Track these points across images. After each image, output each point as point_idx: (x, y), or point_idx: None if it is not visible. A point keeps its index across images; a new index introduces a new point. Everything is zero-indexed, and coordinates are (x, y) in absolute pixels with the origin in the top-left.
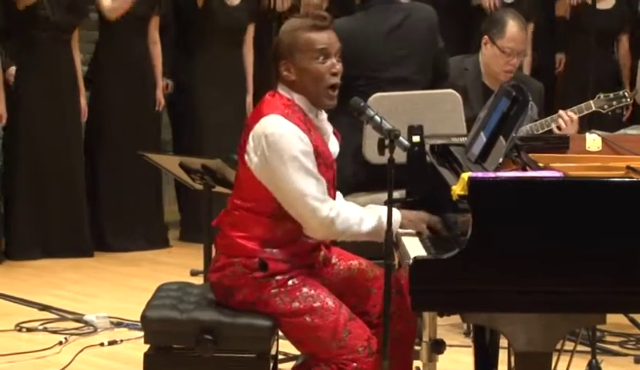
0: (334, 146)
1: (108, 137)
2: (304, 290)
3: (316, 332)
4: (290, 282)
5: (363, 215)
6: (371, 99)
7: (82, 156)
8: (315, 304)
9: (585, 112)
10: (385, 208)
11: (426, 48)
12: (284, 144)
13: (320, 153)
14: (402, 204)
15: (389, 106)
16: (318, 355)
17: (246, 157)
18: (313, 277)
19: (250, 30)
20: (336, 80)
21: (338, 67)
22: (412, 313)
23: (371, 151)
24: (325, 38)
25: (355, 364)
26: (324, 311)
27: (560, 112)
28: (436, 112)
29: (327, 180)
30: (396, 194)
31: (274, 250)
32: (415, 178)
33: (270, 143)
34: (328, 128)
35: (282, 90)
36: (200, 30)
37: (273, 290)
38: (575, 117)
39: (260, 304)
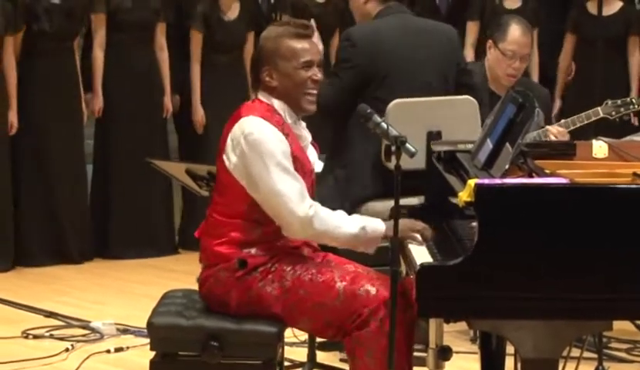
0: (312, 156)
1: (116, 144)
2: (287, 269)
3: (315, 299)
4: (272, 269)
5: (345, 220)
6: (391, 105)
7: (84, 162)
8: (302, 276)
9: (593, 119)
10: (371, 218)
11: (448, 59)
12: (264, 143)
13: (297, 159)
14: (410, 212)
15: (407, 112)
16: (335, 324)
17: (224, 158)
18: (290, 256)
19: (250, 38)
20: (315, 90)
21: (320, 76)
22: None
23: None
24: (307, 48)
25: (365, 308)
26: (311, 278)
27: (548, 127)
28: (454, 119)
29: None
30: (415, 200)
31: (252, 250)
32: (433, 183)
33: (249, 142)
34: (307, 136)
35: (262, 97)
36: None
37: (260, 284)
38: (563, 130)
39: (254, 301)
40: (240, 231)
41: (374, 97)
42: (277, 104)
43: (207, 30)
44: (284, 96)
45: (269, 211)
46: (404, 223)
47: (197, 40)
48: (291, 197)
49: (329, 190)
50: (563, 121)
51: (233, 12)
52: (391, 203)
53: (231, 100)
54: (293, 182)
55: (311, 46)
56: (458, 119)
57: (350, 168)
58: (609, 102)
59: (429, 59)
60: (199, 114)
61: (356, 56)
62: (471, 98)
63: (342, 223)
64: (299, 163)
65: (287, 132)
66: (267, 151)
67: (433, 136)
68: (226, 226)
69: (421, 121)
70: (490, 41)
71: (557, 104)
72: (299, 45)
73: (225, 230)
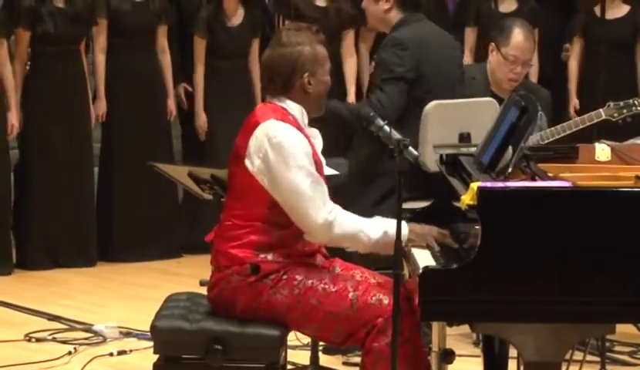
0: (322, 156)
1: (120, 148)
2: (299, 277)
3: (328, 309)
4: (284, 277)
5: (367, 224)
6: (429, 106)
7: (92, 166)
8: (315, 285)
9: (595, 121)
10: (392, 220)
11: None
12: (289, 146)
13: (315, 161)
14: (413, 215)
15: (441, 114)
16: (345, 332)
17: (246, 161)
18: (303, 266)
19: (255, 45)
20: None
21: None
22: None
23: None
24: (327, 54)
25: (380, 318)
26: (325, 287)
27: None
28: (479, 120)
29: None
30: (427, 204)
31: (269, 255)
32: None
33: (274, 145)
34: (319, 137)
35: (277, 101)
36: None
37: (271, 290)
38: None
39: (263, 307)
40: (259, 234)
41: (417, 97)
42: (294, 108)
43: (210, 35)
44: (314, 100)
45: (290, 213)
46: (426, 229)
47: (200, 46)
48: (313, 201)
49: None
50: (565, 123)
51: (237, 18)
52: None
53: (235, 106)
54: (315, 185)
55: None
56: (483, 120)
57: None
58: (611, 104)
59: (456, 64)
60: (201, 120)
61: (410, 59)
62: (494, 100)
63: (364, 228)
64: (316, 166)
65: (304, 134)
66: (292, 154)
67: (464, 138)
68: (244, 229)
69: (454, 123)
70: (493, 44)
71: (576, 104)
72: (325, 51)
73: (243, 233)
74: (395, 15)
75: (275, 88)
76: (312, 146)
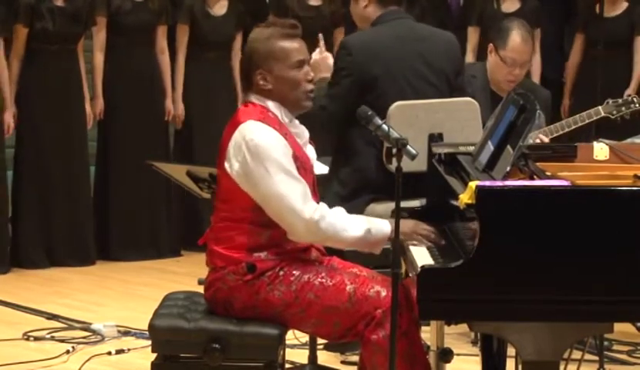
0: (311, 152)
1: (118, 147)
2: (296, 273)
3: (326, 303)
4: (281, 273)
5: (350, 223)
6: (392, 107)
7: (87, 164)
8: (311, 280)
9: (594, 118)
10: (376, 219)
11: (447, 66)
12: (265, 148)
13: (298, 158)
14: (411, 214)
15: (409, 115)
16: (345, 325)
17: (226, 164)
18: (299, 261)
19: (238, 39)
20: (311, 86)
21: (312, 74)
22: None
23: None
24: (298, 47)
25: (378, 310)
26: (322, 282)
27: (540, 135)
28: (455, 121)
29: (308, 185)
30: (416, 203)
31: (262, 254)
32: (434, 185)
33: (251, 148)
34: (305, 133)
35: (255, 99)
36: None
37: (268, 287)
38: (546, 139)
39: (261, 305)
40: (247, 236)
41: (367, 103)
42: (271, 105)
43: (192, 24)
44: (279, 98)
45: (273, 215)
46: (409, 225)
47: (182, 33)
48: (295, 200)
49: (333, 197)
50: (564, 121)
51: (220, 8)
52: (391, 205)
53: (217, 98)
54: (296, 184)
55: (300, 45)
56: (459, 121)
57: (357, 175)
58: (610, 101)
59: (425, 67)
60: (179, 108)
61: (352, 65)
62: (472, 100)
63: (348, 227)
64: (300, 162)
65: (285, 132)
66: (269, 155)
67: (435, 139)
68: (233, 230)
69: (422, 123)
70: (491, 45)
71: (567, 103)
72: (290, 45)
73: (232, 235)
74: (374, 12)
75: (241, 86)
76: (294, 143)
